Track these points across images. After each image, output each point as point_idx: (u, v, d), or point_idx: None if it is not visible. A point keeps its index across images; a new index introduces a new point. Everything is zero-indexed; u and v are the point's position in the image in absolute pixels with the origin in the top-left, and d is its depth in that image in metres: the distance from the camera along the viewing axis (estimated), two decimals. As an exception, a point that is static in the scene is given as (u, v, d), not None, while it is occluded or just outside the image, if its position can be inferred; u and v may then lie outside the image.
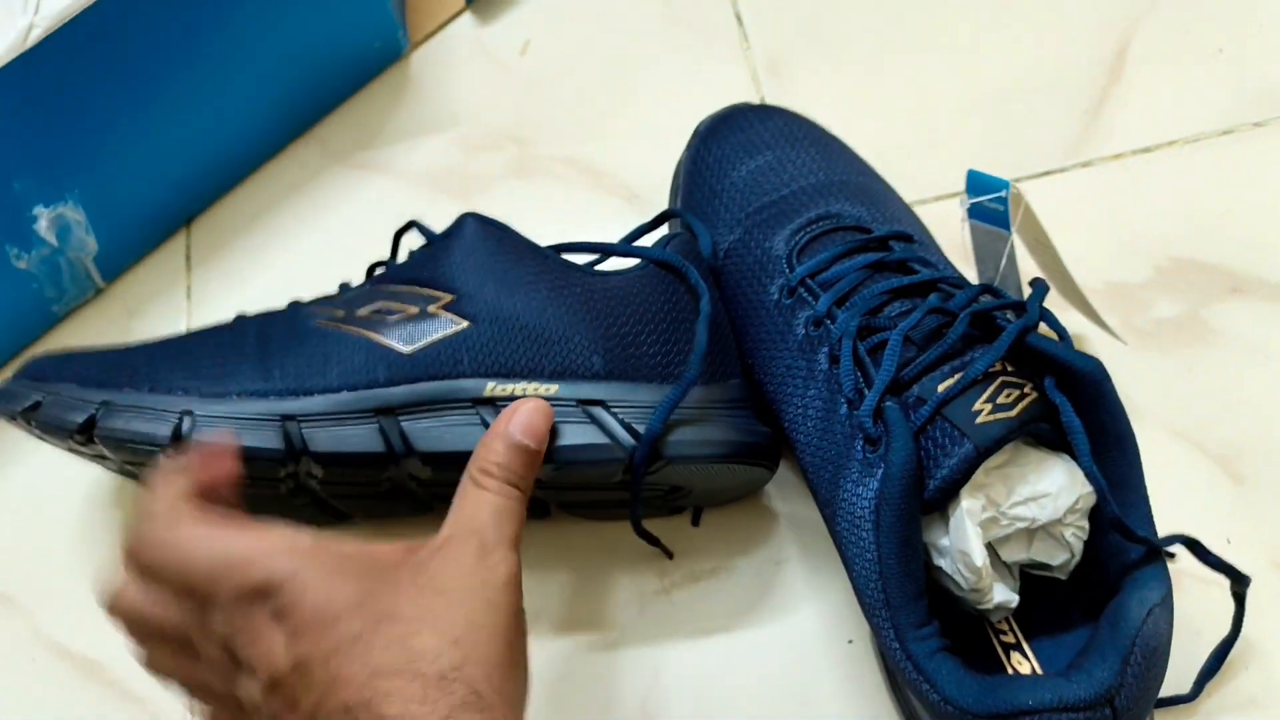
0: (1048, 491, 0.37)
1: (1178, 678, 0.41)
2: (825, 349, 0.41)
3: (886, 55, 0.57)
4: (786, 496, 0.48)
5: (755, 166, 0.48)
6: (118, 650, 0.48)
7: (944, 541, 0.37)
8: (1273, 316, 0.49)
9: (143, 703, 0.47)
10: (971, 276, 0.47)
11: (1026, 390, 0.37)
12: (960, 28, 0.58)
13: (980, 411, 0.37)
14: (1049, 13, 0.57)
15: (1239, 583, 0.39)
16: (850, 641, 0.44)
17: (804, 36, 0.58)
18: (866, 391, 0.39)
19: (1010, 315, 0.40)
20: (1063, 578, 0.39)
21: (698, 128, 0.51)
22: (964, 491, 0.37)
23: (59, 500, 0.51)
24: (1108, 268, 0.51)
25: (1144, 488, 0.38)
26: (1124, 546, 0.37)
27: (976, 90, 0.56)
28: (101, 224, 0.53)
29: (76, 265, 0.54)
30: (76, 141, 0.50)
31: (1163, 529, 0.45)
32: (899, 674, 0.37)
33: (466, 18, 0.61)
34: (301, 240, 0.56)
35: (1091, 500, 0.38)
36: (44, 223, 0.51)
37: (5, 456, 0.52)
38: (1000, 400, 0.37)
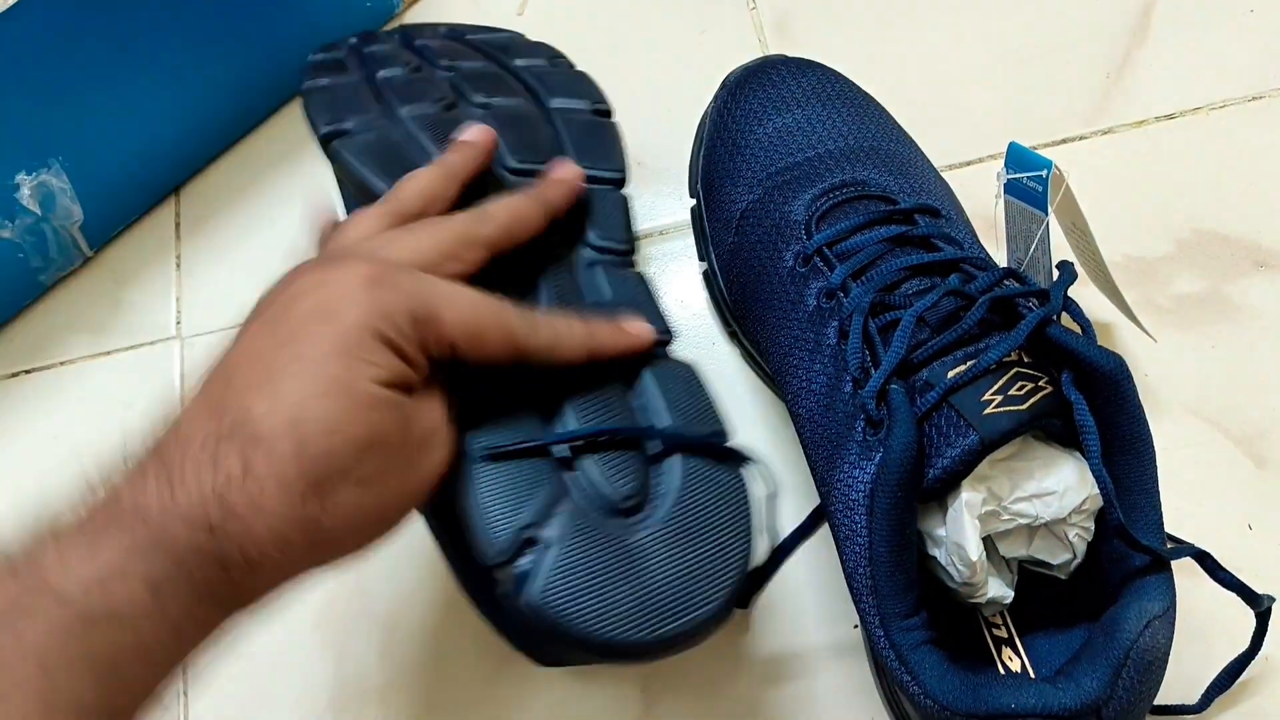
0: (1054, 490, 0.34)
1: (1187, 685, 0.39)
2: (835, 323, 0.38)
3: (898, 15, 0.54)
4: (784, 473, 0.45)
5: (782, 124, 0.44)
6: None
7: (940, 532, 0.35)
8: (1300, 292, 0.46)
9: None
10: (994, 250, 0.44)
11: (1041, 384, 0.34)
12: (977, -13, 0.54)
13: (990, 402, 0.34)
14: (1071, -29, 0.54)
15: (1254, 603, 0.36)
16: (856, 626, 0.42)
17: (813, -5, 0.55)
18: (873, 371, 0.36)
19: (1034, 302, 0.36)
20: (1063, 577, 0.36)
21: (726, 78, 0.47)
22: (965, 483, 0.34)
23: (52, 473, 0.49)
24: (1127, 240, 0.47)
25: (1156, 494, 0.35)
26: (1129, 553, 0.34)
27: (993, 52, 0.52)
28: (87, 191, 0.50)
29: (62, 234, 0.51)
30: (59, 107, 0.47)
31: (1182, 513, 0.43)
32: (883, 663, 0.35)
33: (464, -25, 0.58)
34: (294, 207, 0.53)
35: (1099, 501, 0.35)
36: (26, 191, 0.48)
37: (10, 424, 0.50)
38: (1012, 392, 0.34)
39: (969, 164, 0.50)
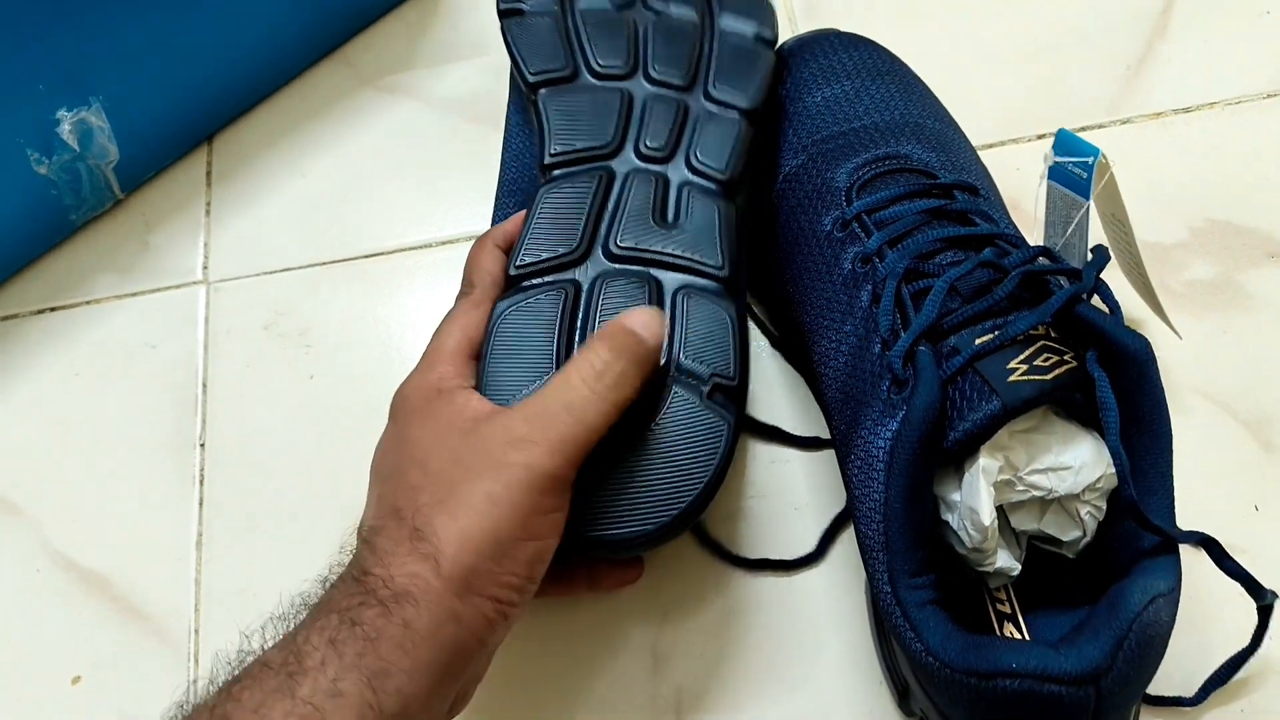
0: (1069, 465, 0.34)
1: (1186, 677, 0.38)
2: (869, 286, 0.38)
3: (926, 1, 0.53)
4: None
5: (831, 94, 0.44)
6: (123, 565, 0.45)
7: (954, 496, 0.34)
8: (1309, 284, 0.46)
9: (146, 619, 0.44)
10: (1025, 233, 0.43)
11: (1067, 358, 0.34)
12: (1003, -23, 0.54)
13: (1014, 370, 0.33)
14: (1095, -34, 0.53)
15: (1259, 595, 0.35)
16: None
17: (842, -20, 0.54)
18: (902, 333, 0.36)
19: (1064, 282, 0.36)
20: (1071, 556, 0.36)
21: (780, 46, 0.47)
22: (983, 449, 0.33)
23: (70, 410, 0.48)
24: (1143, 227, 0.47)
25: (1170, 478, 0.34)
26: (1138, 534, 0.33)
27: (1017, 41, 0.52)
28: (124, 132, 0.49)
29: (96, 173, 0.50)
30: (102, 45, 0.46)
31: (1190, 495, 0.42)
32: (886, 620, 0.34)
33: (501, -56, 0.57)
34: (325, 161, 0.52)
35: (1114, 482, 0.34)
36: (67, 126, 0.47)
37: (17, 364, 0.49)
38: (1038, 363, 0.33)
39: (990, 147, 0.49)
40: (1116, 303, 0.35)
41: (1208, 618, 0.40)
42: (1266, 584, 0.41)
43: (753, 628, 0.41)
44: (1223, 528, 0.42)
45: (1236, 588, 0.35)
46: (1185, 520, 0.42)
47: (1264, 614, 0.36)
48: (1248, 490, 0.43)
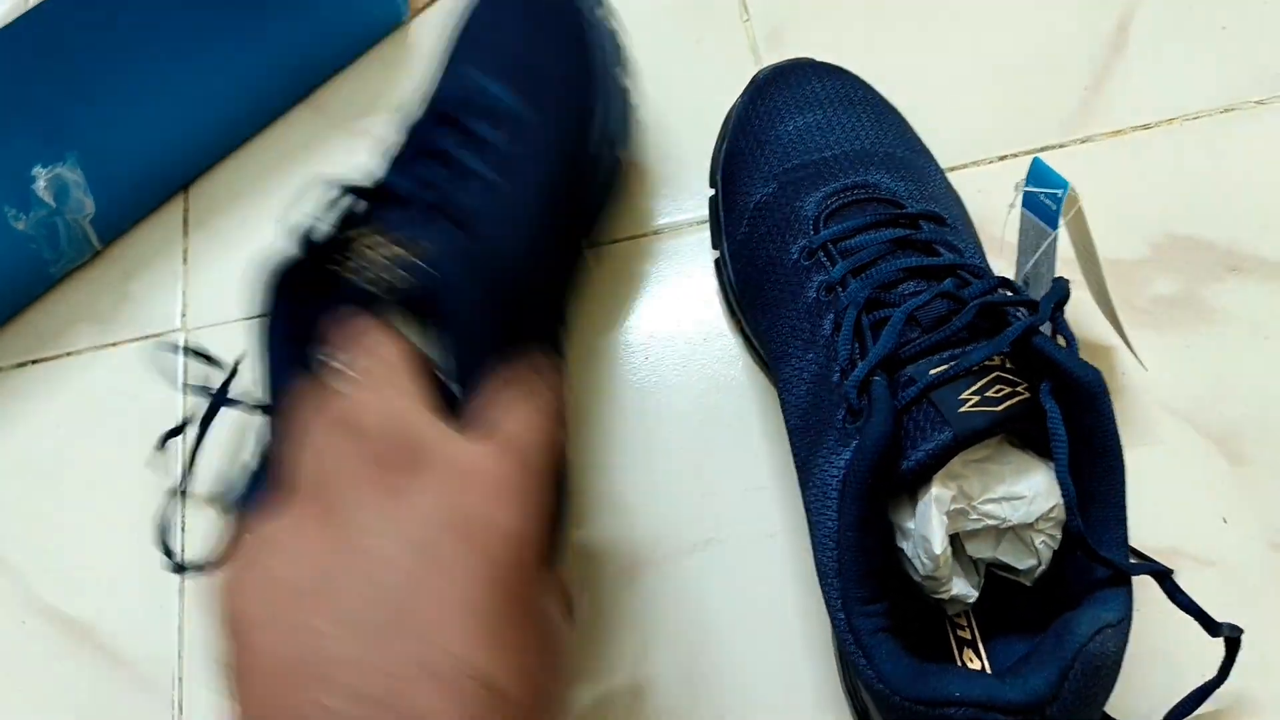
0: (1023, 494, 0.34)
1: (1150, 710, 0.38)
2: (831, 315, 0.38)
3: (886, 28, 0.54)
4: (779, 471, 0.44)
5: (804, 123, 0.44)
6: (109, 614, 0.45)
7: (909, 524, 0.34)
8: (1272, 296, 0.46)
9: (133, 667, 0.44)
10: (993, 255, 0.43)
11: (1019, 389, 0.34)
12: (962, 0, 0.54)
13: (967, 401, 0.33)
14: (1051, -13, 0.54)
15: (1212, 630, 0.34)
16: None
17: (803, 8, 0.54)
18: (860, 362, 0.36)
19: (1023, 312, 0.36)
20: (1028, 584, 0.36)
21: (755, 76, 0.47)
22: (936, 478, 0.33)
23: (52, 461, 0.48)
24: (1105, 244, 0.46)
25: (1123, 509, 0.33)
26: (1092, 565, 0.33)
27: (977, 64, 0.52)
28: (99, 185, 0.49)
29: (74, 227, 0.50)
30: (76, 102, 0.47)
31: (1158, 510, 0.42)
32: (841, 645, 0.34)
33: (467, -14, 0.57)
34: (299, 205, 0.53)
35: None
36: (42, 183, 0.48)
37: (15, 413, 0.49)
38: (989, 394, 0.33)
39: (954, 169, 0.49)
40: (1072, 334, 0.35)
41: (1178, 647, 0.39)
42: (1238, 596, 0.41)
43: (734, 657, 0.42)
44: (1192, 540, 0.42)
45: (1221, 610, 0.35)
46: (1155, 536, 0.42)
47: (1231, 646, 0.35)
48: (1216, 503, 0.43)
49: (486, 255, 0.36)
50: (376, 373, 0.30)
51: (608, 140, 0.46)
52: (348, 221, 0.36)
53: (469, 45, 0.45)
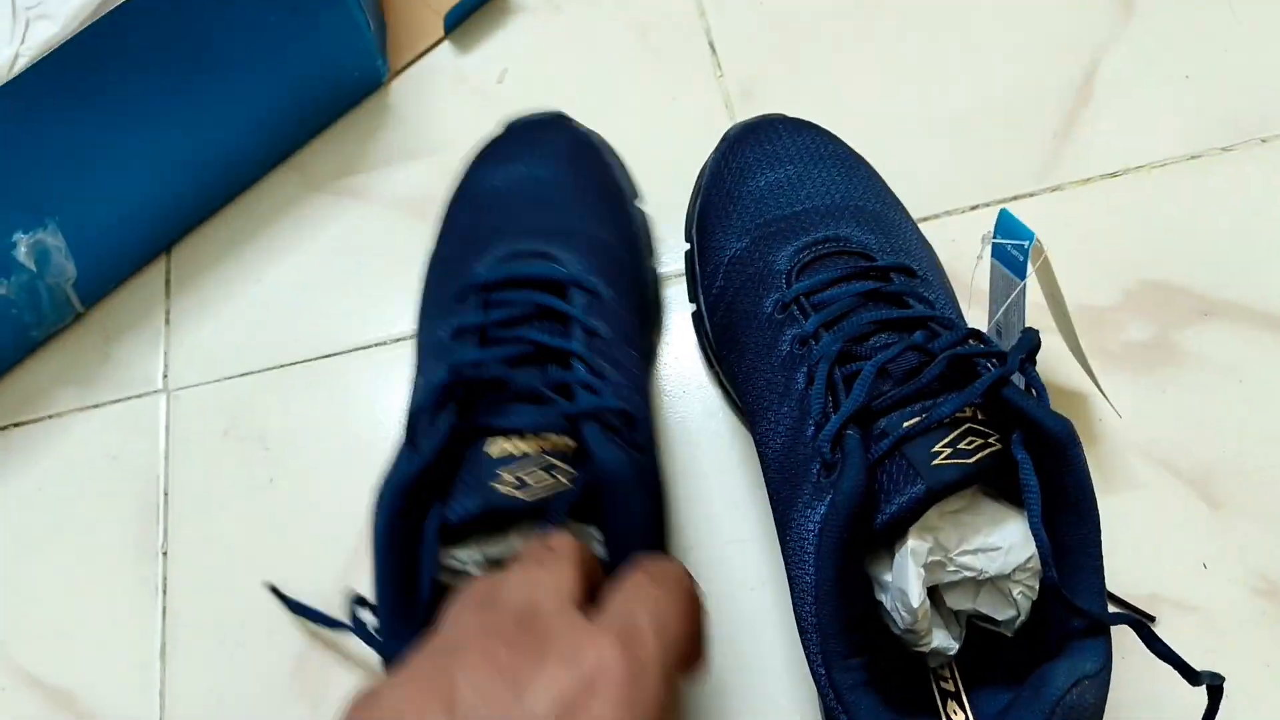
0: (998, 545, 0.33)
1: None
2: (804, 368, 0.38)
3: (857, 82, 0.54)
4: (760, 523, 0.44)
5: (775, 179, 0.45)
6: (88, 679, 0.45)
7: (887, 578, 0.34)
8: (1243, 339, 0.46)
9: (112, 733, 0.43)
10: (965, 305, 0.44)
11: (991, 440, 0.34)
12: (930, 52, 0.55)
13: (939, 453, 0.33)
14: (1018, 37, 0.54)
15: (1191, 679, 0.33)
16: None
17: (775, 64, 0.55)
18: (833, 416, 0.36)
19: (993, 363, 0.36)
20: (1008, 634, 0.35)
21: (728, 132, 0.48)
22: (912, 531, 0.33)
23: (33, 525, 0.48)
24: (1078, 291, 0.47)
25: (1099, 558, 0.33)
26: (1069, 614, 0.33)
27: (947, 114, 0.53)
28: (81, 250, 0.50)
29: (55, 291, 0.50)
30: (57, 168, 0.47)
31: (1138, 554, 0.42)
32: (822, 700, 0.34)
33: (445, 47, 0.58)
34: (280, 266, 0.53)
35: None
36: (23, 249, 0.48)
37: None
38: (961, 446, 0.33)
39: (926, 220, 0.50)
40: (1042, 385, 0.35)
41: (1163, 693, 0.39)
42: (1219, 641, 0.41)
43: (710, 706, 0.41)
44: (1172, 586, 0.42)
45: (1211, 655, 0.34)
46: (1134, 582, 0.42)
47: (1214, 694, 0.35)
48: (1196, 548, 0.43)
49: (635, 447, 0.37)
50: (536, 555, 0.30)
51: (650, 269, 0.49)
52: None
53: (523, 223, 0.44)
